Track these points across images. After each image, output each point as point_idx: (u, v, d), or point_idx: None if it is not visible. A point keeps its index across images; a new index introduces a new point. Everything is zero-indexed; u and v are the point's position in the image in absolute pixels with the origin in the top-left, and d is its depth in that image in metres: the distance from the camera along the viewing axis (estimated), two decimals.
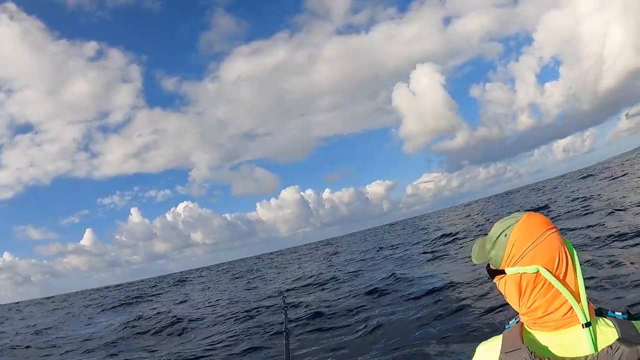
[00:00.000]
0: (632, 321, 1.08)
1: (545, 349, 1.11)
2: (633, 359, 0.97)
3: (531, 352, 1.07)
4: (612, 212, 13.27)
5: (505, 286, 1.19)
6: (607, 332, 1.07)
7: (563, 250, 1.13)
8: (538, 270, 1.10)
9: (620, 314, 1.11)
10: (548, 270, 1.10)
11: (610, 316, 1.12)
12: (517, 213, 1.22)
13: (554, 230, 1.15)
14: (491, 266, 1.21)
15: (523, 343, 1.10)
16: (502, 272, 1.16)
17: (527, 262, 1.12)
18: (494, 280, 1.22)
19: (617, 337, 1.02)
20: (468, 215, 41.45)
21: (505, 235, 1.16)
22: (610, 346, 1.01)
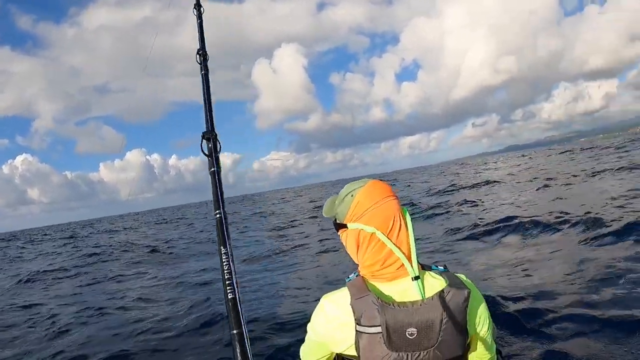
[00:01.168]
0: (453, 272, 1.36)
1: (386, 295, 1.30)
2: (461, 299, 1.23)
3: (377, 297, 1.25)
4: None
5: (347, 239, 1.41)
6: (434, 282, 1.33)
7: (399, 215, 1.35)
8: (374, 232, 1.31)
9: (441, 267, 1.38)
10: (382, 233, 1.31)
11: (434, 269, 1.38)
12: (366, 179, 1.43)
13: (394, 198, 1.37)
14: (337, 221, 1.43)
15: (369, 290, 1.27)
16: (345, 226, 1.38)
17: (366, 221, 1.33)
18: (338, 233, 1.44)
19: (446, 283, 1.28)
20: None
21: (352, 196, 1.38)
22: (443, 290, 1.24)
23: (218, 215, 1.76)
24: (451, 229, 10.59)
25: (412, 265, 1.30)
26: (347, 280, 1.36)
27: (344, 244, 1.43)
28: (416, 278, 1.29)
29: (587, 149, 47.53)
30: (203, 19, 2.69)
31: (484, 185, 21.69)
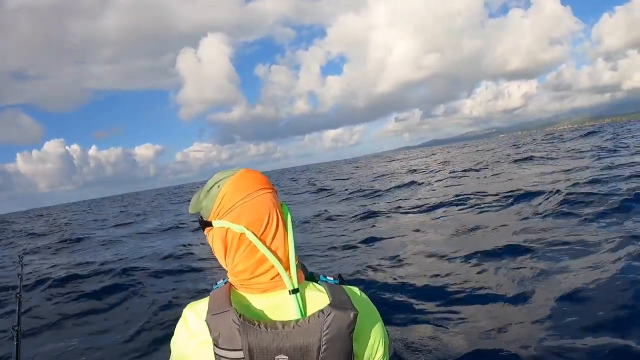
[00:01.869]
0: (343, 286, 1.10)
1: (254, 311, 1.07)
2: (345, 323, 0.99)
3: (240, 315, 1.00)
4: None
5: (213, 241, 1.14)
6: (318, 297, 1.08)
7: (275, 213, 1.10)
8: (243, 232, 1.07)
9: (332, 279, 1.13)
10: (253, 233, 1.06)
11: (322, 281, 1.12)
12: (238, 167, 1.16)
13: (269, 190, 1.11)
14: (203, 217, 1.14)
15: (231, 305, 1.03)
16: (211, 224, 1.11)
17: (234, 219, 1.07)
18: (205, 233, 1.17)
19: (329, 302, 1.03)
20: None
21: (218, 187, 1.11)
22: (322, 311, 1.01)
23: None
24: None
25: (289, 276, 1.08)
26: (213, 288, 1.14)
27: (211, 245, 1.17)
28: (295, 291, 1.06)
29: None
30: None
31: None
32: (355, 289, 1.14)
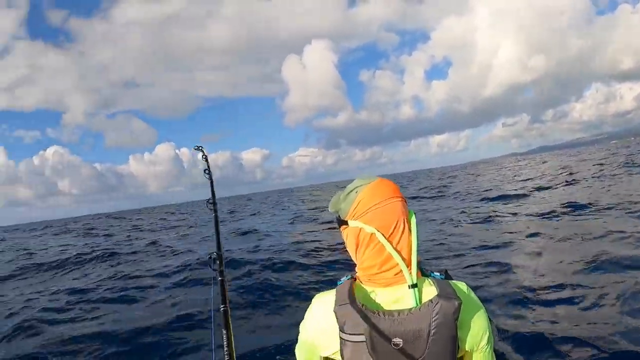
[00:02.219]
0: (449, 280, 1.28)
1: (375, 302, 1.25)
2: (450, 311, 1.16)
3: (362, 305, 1.19)
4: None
5: (347, 237, 1.34)
6: (429, 290, 1.25)
7: (403, 219, 1.27)
8: (374, 233, 1.25)
9: (438, 274, 1.31)
10: (383, 235, 1.24)
11: (432, 276, 1.29)
12: (375, 176, 1.35)
13: (399, 199, 1.29)
14: (340, 217, 1.36)
15: (355, 297, 1.22)
16: (346, 222, 1.31)
17: (367, 221, 1.27)
18: (340, 229, 1.37)
19: (436, 293, 1.20)
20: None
21: (356, 192, 1.31)
22: (431, 300, 1.19)
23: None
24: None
25: (410, 273, 1.25)
26: (338, 283, 1.32)
27: (345, 241, 1.38)
28: (414, 286, 1.23)
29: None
30: (213, 176, 3.08)
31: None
32: (461, 284, 1.29)
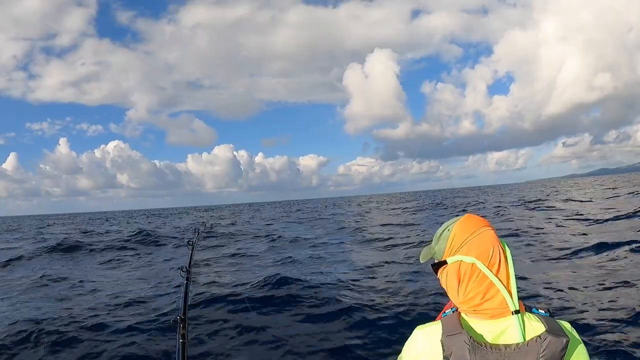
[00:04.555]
0: (554, 318, 1.28)
1: (481, 335, 1.24)
2: (558, 348, 1.16)
3: (470, 336, 1.20)
4: None
5: (447, 276, 1.35)
6: (535, 325, 1.24)
7: (498, 246, 1.30)
8: (474, 262, 1.28)
9: (543, 311, 1.31)
10: (482, 263, 1.27)
11: (535, 313, 1.29)
12: (459, 216, 1.41)
13: (490, 228, 1.34)
14: (435, 260, 1.40)
15: (462, 328, 1.23)
16: (444, 262, 1.34)
17: (465, 252, 1.30)
18: (438, 275, 1.40)
19: (545, 329, 1.20)
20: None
21: (448, 230, 1.37)
22: (539, 336, 1.18)
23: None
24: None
25: (512, 299, 1.26)
26: (443, 316, 1.34)
27: (444, 284, 1.38)
28: (516, 312, 1.25)
29: None
30: (190, 278, 2.95)
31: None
32: (566, 323, 1.28)
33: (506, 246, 1.33)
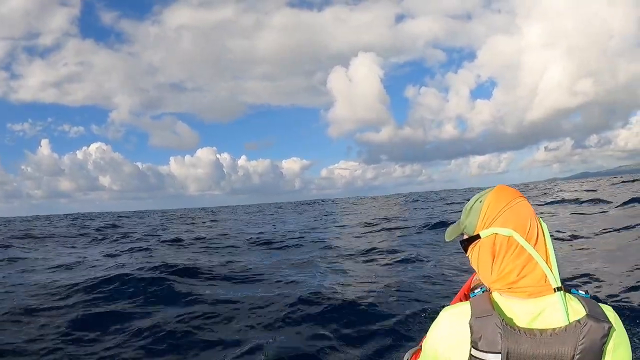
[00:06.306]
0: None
1: (515, 317, 1.11)
2: (599, 335, 1.02)
3: (502, 319, 1.07)
4: None
5: (479, 253, 1.21)
6: (576, 308, 1.10)
7: (535, 218, 1.18)
8: (511, 235, 1.15)
9: (583, 292, 1.15)
10: (520, 235, 1.14)
11: (574, 294, 1.15)
12: (491, 187, 1.28)
13: (525, 199, 1.22)
14: (465, 236, 1.26)
15: (494, 310, 1.10)
16: (477, 237, 1.21)
17: (501, 224, 1.17)
18: (467, 253, 1.26)
19: (585, 313, 1.06)
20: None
21: (480, 202, 1.23)
22: (579, 321, 1.04)
23: None
24: None
25: (553, 274, 1.13)
26: (471, 296, 1.20)
27: (475, 262, 1.24)
28: (559, 289, 1.12)
29: None
30: None
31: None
32: (607, 308, 1.12)
33: (542, 221, 1.20)
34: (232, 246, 13.53)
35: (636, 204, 16.20)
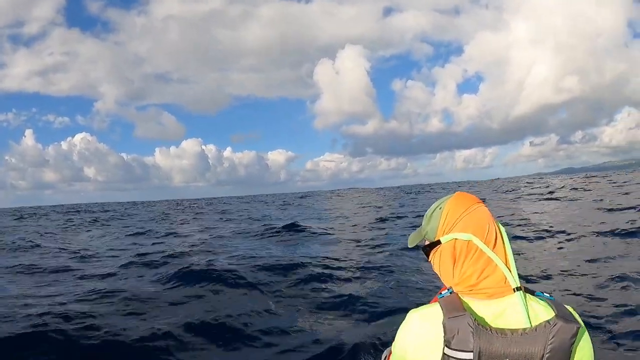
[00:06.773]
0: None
1: (480, 316, 1.14)
2: (568, 335, 1.06)
3: (474, 319, 1.09)
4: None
5: (440, 257, 1.27)
6: (540, 308, 1.14)
7: (493, 222, 1.24)
8: (471, 239, 1.20)
9: (548, 295, 1.20)
10: (479, 239, 1.20)
11: (539, 296, 1.19)
12: (450, 195, 1.33)
13: (483, 204, 1.28)
14: (427, 242, 1.31)
15: (465, 310, 1.12)
16: (438, 242, 1.26)
17: (460, 229, 1.22)
18: (430, 258, 1.31)
19: (554, 314, 1.10)
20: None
21: (440, 208, 1.29)
22: (548, 321, 1.08)
23: None
24: None
25: (512, 275, 1.16)
26: (439, 297, 1.21)
27: (437, 267, 1.29)
28: (518, 289, 1.15)
29: None
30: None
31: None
32: (571, 308, 1.15)
33: (500, 225, 1.27)
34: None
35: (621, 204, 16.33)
